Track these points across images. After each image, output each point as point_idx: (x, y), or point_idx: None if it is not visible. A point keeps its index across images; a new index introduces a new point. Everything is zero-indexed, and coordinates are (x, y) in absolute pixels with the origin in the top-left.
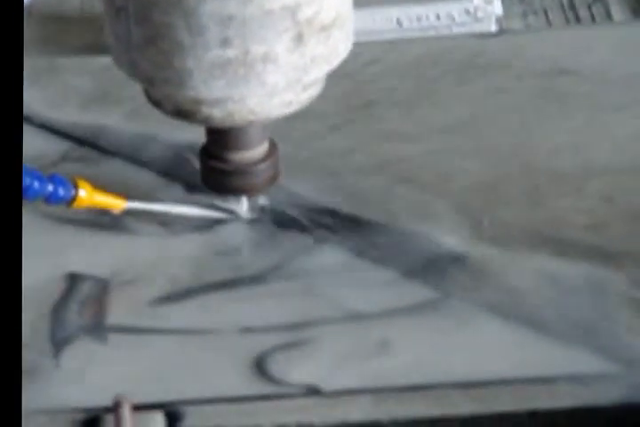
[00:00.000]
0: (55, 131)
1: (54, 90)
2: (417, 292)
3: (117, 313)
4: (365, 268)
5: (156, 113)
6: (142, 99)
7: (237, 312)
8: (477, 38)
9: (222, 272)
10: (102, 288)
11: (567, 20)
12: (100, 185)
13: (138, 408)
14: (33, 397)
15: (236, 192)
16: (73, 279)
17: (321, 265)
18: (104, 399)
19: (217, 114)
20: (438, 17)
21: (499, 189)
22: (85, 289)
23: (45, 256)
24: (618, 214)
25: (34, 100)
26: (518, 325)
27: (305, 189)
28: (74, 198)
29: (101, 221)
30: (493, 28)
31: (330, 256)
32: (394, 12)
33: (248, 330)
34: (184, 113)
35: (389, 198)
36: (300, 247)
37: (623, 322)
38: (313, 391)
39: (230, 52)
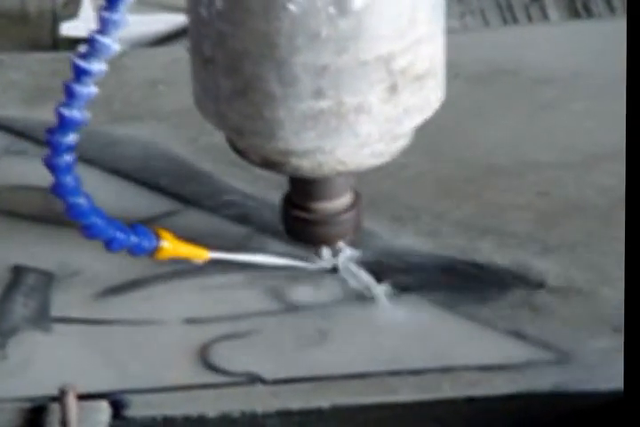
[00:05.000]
0: None
1: None
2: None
3: (62, 304)
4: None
5: (97, 108)
6: None
7: (181, 304)
8: None
9: (166, 265)
10: (47, 280)
11: (504, 21)
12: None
13: (83, 397)
14: None
15: (319, 242)
16: (17, 272)
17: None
18: (50, 389)
19: (306, 165)
20: None
21: (438, 184)
22: (30, 281)
23: None
24: (553, 208)
25: None
26: (457, 315)
27: (259, 187)
28: (157, 249)
29: (46, 214)
30: None
31: (269, 249)
32: None
33: (192, 321)
34: (272, 164)
35: None
36: (242, 240)
37: (558, 313)
38: (255, 380)
39: (323, 103)
